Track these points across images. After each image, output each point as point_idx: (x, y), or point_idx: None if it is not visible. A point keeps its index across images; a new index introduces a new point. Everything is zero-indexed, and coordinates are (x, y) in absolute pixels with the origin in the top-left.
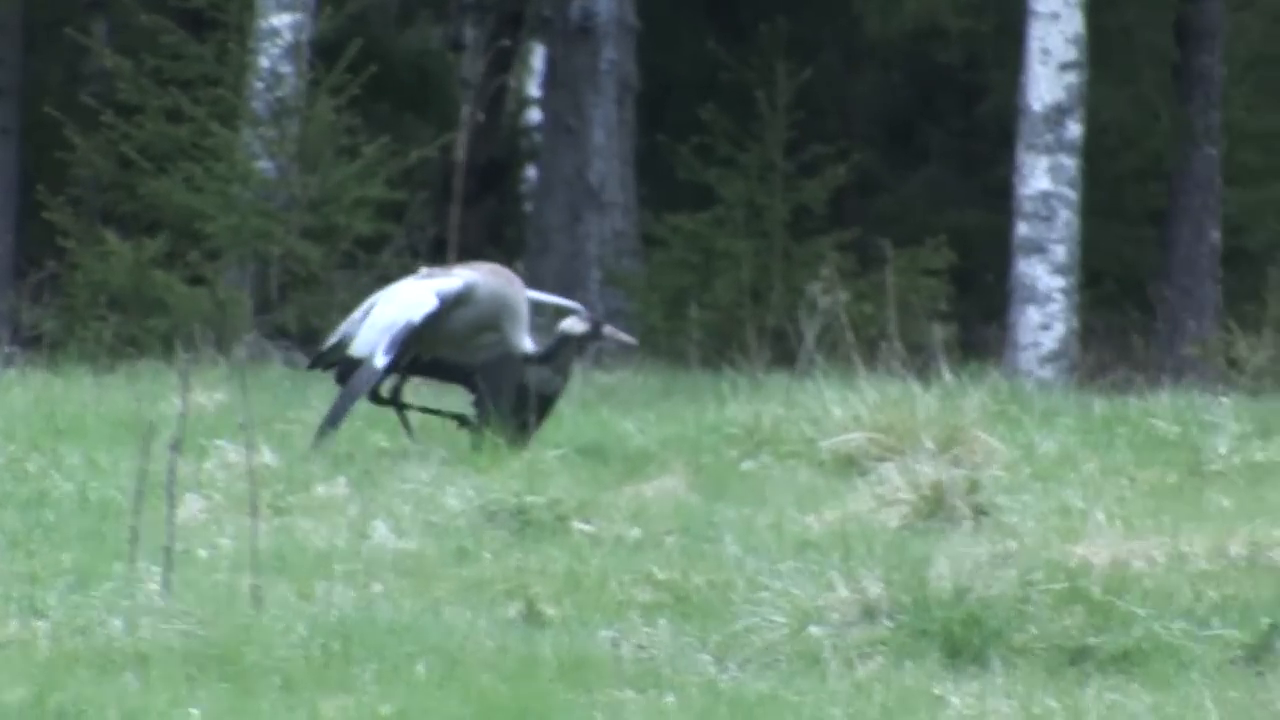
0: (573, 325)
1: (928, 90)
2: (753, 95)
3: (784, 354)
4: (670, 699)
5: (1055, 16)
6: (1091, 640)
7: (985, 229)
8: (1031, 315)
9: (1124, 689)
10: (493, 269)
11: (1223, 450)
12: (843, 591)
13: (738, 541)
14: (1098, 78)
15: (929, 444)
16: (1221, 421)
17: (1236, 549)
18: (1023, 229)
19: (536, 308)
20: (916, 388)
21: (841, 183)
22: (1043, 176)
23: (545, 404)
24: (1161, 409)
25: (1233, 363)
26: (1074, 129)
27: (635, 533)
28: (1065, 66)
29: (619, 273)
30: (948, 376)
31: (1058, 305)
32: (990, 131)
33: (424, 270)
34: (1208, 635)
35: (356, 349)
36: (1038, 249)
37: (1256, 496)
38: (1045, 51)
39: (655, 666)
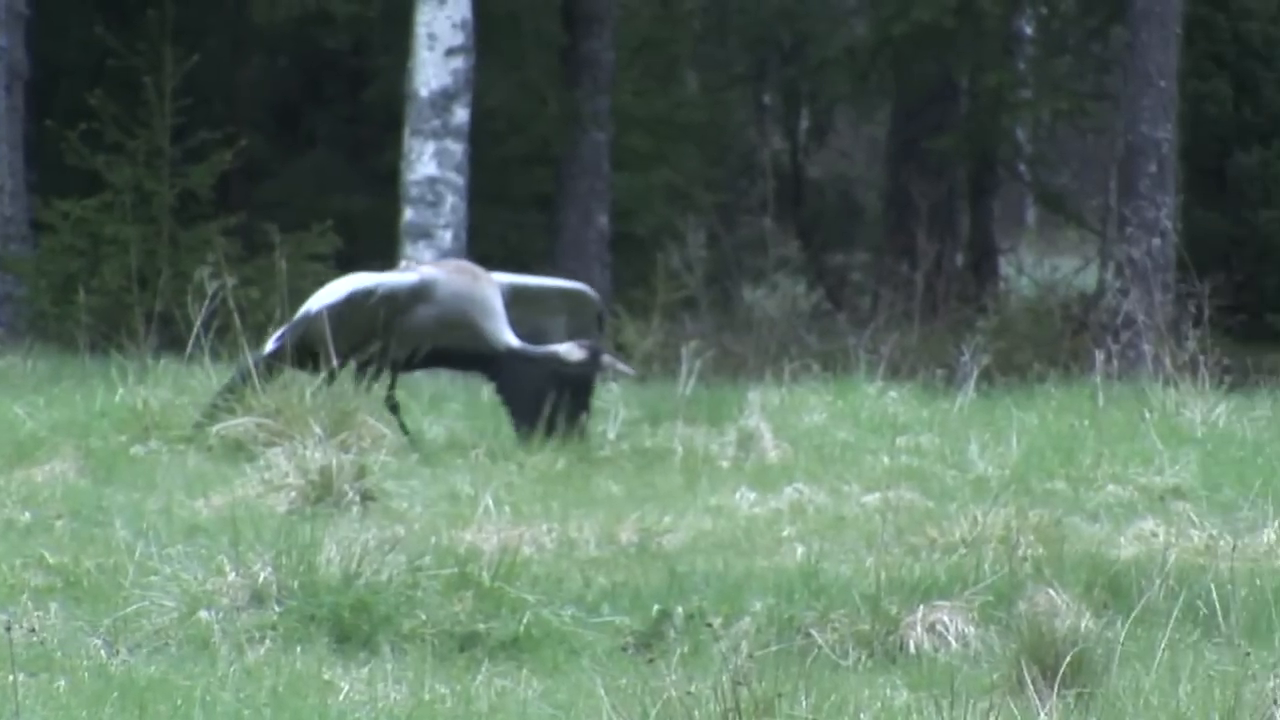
0: (570, 351)
1: (314, 76)
2: (141, 81)
3: (173, 339)
4: (62, 683)
5: (442, 2)
6: (481, 626)
7: (372, 214)
8: None
9: (514, 675)
10: (458, 266)
11: (612, 436)
12: (232, 576)
13: (128, 526)
14: (485, 63)
15: (318, 429)
16: (610, 407)
17: (626, 535)
18: (410, 214)
19: (543, 292)
20: (304, 373)
21: (228, 168)
22: (430, 162)
23: (585, 388)
24: None
25: (621, 348)
26: (461, 114)
27: (26, 517)
28: (452, 52)
29: (8, 258)
30: (335, 361)
31: None
32: (378, 117)
33: (403, 263)
34: (598, 622)
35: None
36: (425, 234)
37: (646, 483)
38: (432, 37)
39: (47, 650)
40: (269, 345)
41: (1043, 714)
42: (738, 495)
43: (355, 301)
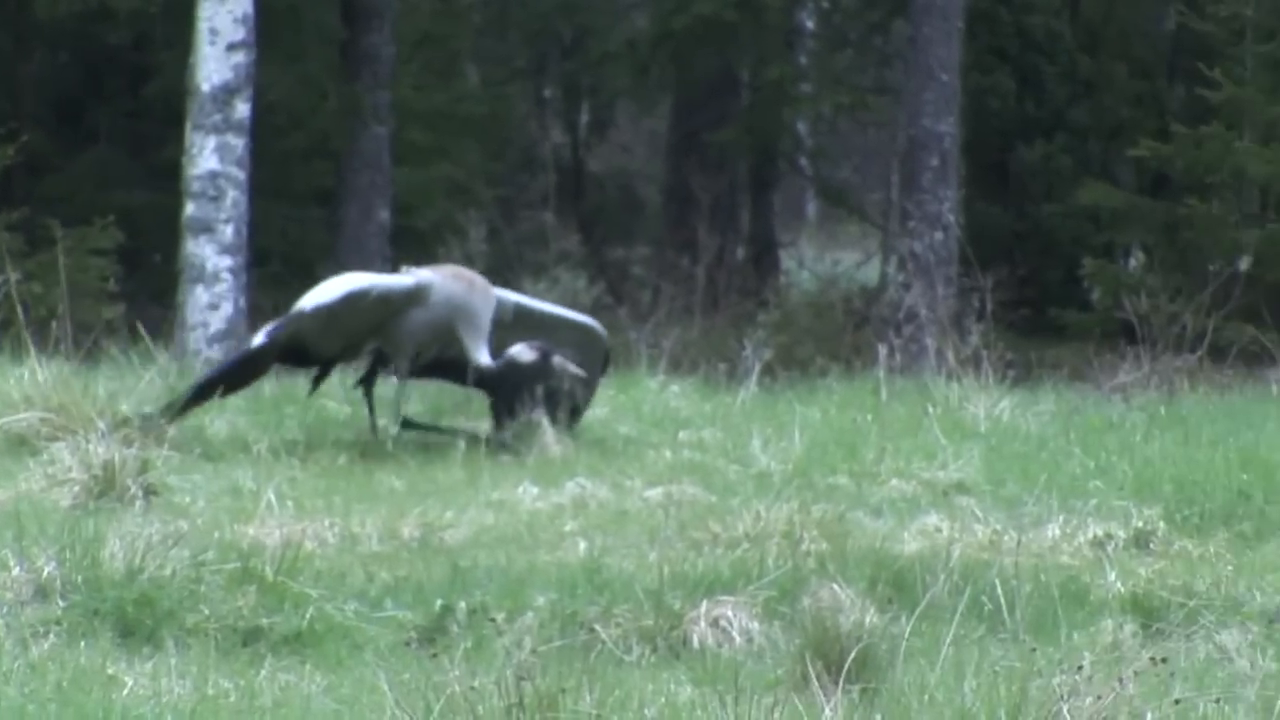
0: (521, 353)
1: (96, 71)
2: None
3: None
4: None
5: None
6: (264, 621)
7: (154, 209)
8: (200, 295)
9: (298, 670)
10: (455, 273)
11: (394, 431)
12: (16, 571)
13: None
14: (266, 58)
15: (101, 424)
16: (392, 402)
17: (409, 530)
18: (191, 208)
19: (551, 320)
20: (89, 368)
21: (10, 163)
22: (211, 157)
23: (570, 395)
24: (331, 389)
25: None
26: (243, 109)
27: None
28: (234, 47)
29: None
30: (119, 356)
31: (226, 285)
32: (159, 112)
33: (404, 269)
34: (381, 617)
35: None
36: (206, 229)
37: (428, 477)
38: (214, 32)
39: None
40: (257, 339)
41: (827, 710)
42: (520, 490)
43: (351, 302)
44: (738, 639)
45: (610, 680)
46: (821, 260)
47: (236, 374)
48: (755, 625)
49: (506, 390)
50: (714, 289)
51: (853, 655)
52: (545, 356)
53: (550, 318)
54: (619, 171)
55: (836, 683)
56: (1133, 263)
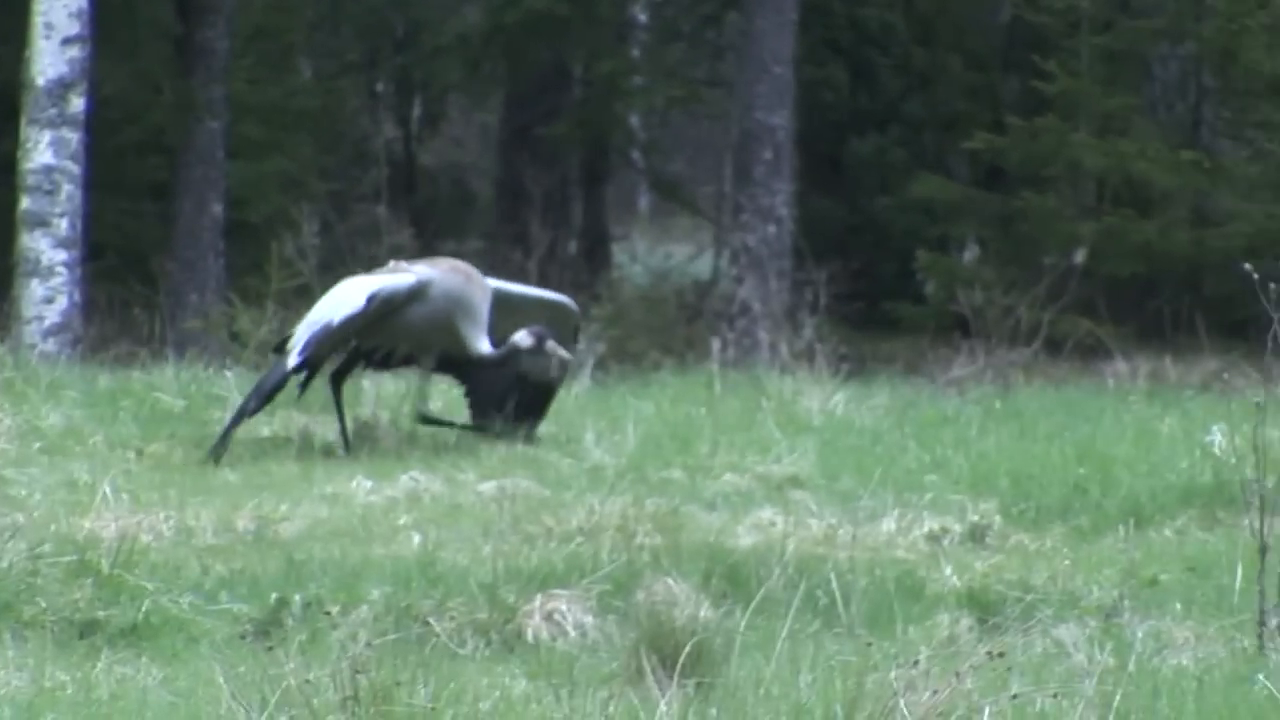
0: (522, 339)
1: None
2: None
3: None
4: None
5: None
6: (101, 613)
7: None
8: (35, 289)
9: (134, 662)
10: (453, 266)
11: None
12: None
13: None
14: (101, 52)
15: None
16: (227, 395)
17: (244, 523)
18: (27, 202)
19: (525, 301)
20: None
21: None
22: (46, 151)
23: (546, 392)
24: (166, 383)
25: (236, 336)
26: (77, 103)
27: None
28: (69, 41)
29: None
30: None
31: (61, 279)
32: None
33: (392, 263)
34: (217, 609)
35: (291, 343)
36: (42, 222)
37: (263, 470)
38: (49, 26)
39: None
40: (293, 360)
41: (662, 704)
42: (354, 484)
43: (372, 304)
44: (572, 632)
45: (445, 673)
46: (654, 254)
47: (272, 397)
48: (589, 619)
49: (496, 379)
50: (546, 283)
51: (687, 649)
52: (540, 340)
53: (525, 298)
54: (451, 165)
55: (671, 677)
56: (967, 256)
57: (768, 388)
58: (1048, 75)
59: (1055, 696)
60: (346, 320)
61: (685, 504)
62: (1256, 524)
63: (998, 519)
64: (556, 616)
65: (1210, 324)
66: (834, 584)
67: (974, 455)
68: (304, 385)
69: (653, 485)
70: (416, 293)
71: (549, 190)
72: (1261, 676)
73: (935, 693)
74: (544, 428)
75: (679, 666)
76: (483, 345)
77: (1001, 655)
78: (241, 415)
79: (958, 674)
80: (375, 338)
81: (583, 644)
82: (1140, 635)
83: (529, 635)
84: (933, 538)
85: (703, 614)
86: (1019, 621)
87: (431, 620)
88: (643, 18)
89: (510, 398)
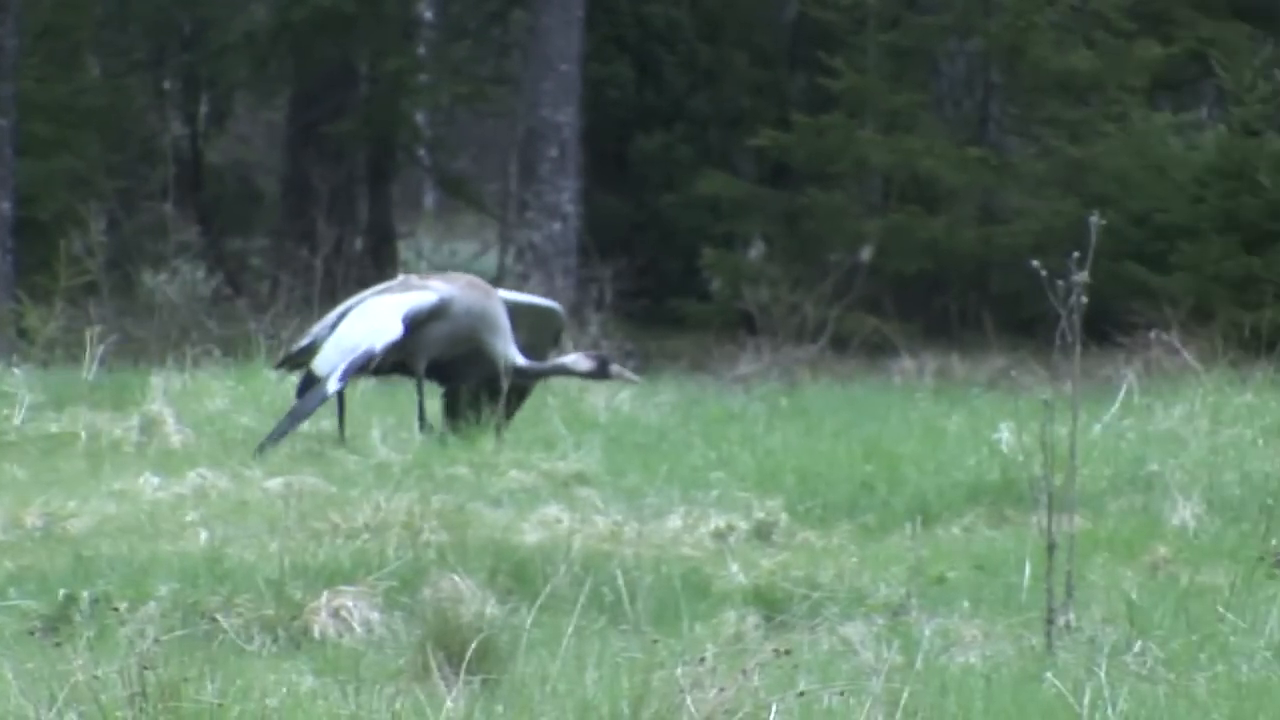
0: (577, 362)
1: None
2: None
3: None
4: None
5: None
6: None
7: None
8: None
9: None
10: (470, 281)
11: (17, 421)
12: None
13: None
14: None
15: None
16: (15, 392)
17: (31, 520)
18: None
19: (515, 308)
20: None
21: None
22: None
23: (520, 393)
24: None
25: (23, 333)
26: None
27: None
28: None
29: None
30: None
31: None
32: None
33: (400, 277)
34: (5, 606)
35: (318, 365)
36: None
37: (50, 467)
38: None
39: None
40: (334, 385)
41: (449, 700)
42: (142, 480)
43: (409, 328)
44: (359, 629)
45: (232, 670)
46: (439, 251)
47: (305, 418)
48: (376, 615)
49: (473, 381)
50: (332, 280)
51: (473, 646)
52: (604, 364)
53: (516, 305)
54: (237, 163)
55: (458, 673)
56: (753, 253)
57: (553, 384)
58: (834, 72)
59: (843, 694)
60: (388, 347)
61: (471, 501)
62: (1044, 522)
63: (784, 516)
64: (343, 613)
65: (997, 321)
66: (620, 581)
67: (760, 452)
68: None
69: (438, 482)
70: (439, 310)
71: (335, 187)
72: (1050, 674)
73: (722, 690)
74: (329, 424)
75: (465, 663)
76: (514, 355)
77: (788, 653)
78: (279, 436)
79: (744, 671)
80: (395, 354)
81: (369, 640)
82: (928, 633)
83: (316, 632)
84: (719, 535)
85: (489, 611)
86: (806, 619)
87: (219, 617)
88: (429, 15)
89: (484, 398)
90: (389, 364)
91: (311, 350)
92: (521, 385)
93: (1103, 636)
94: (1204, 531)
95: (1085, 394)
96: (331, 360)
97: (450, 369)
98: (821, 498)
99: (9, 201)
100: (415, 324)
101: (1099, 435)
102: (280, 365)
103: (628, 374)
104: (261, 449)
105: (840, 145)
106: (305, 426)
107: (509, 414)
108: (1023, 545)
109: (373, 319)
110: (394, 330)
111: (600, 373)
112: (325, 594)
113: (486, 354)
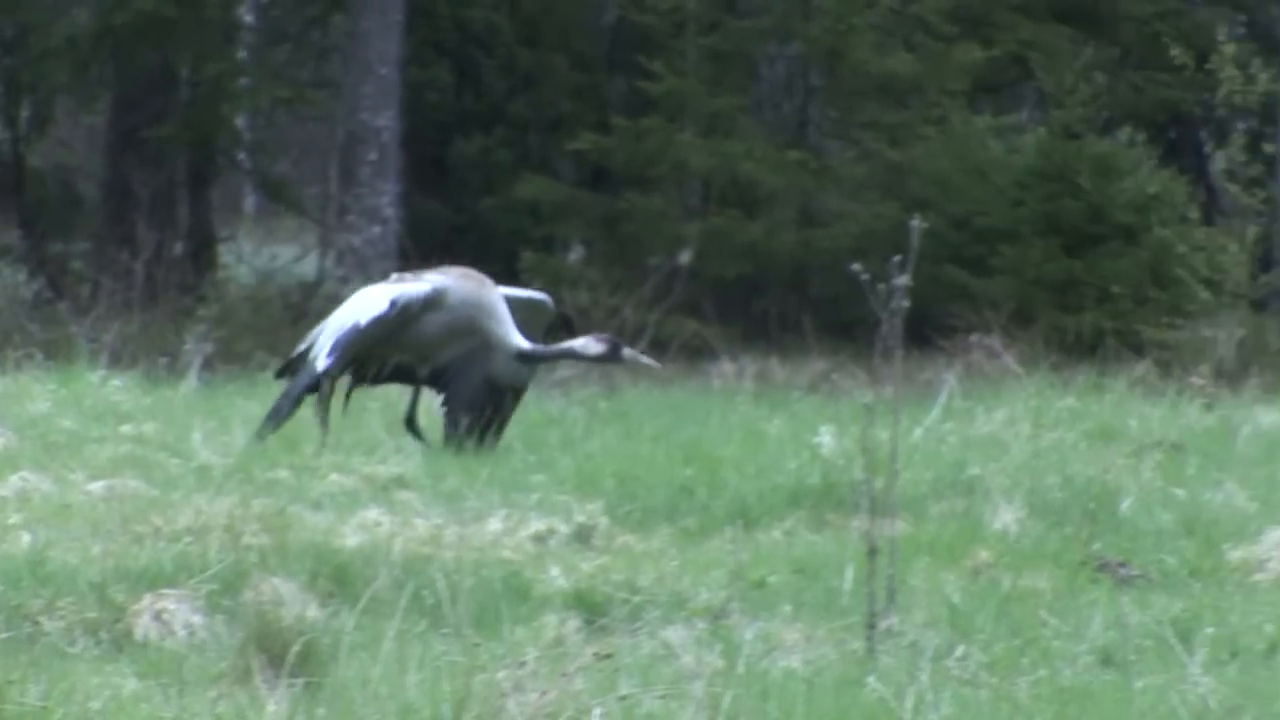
0: (587, 345)
1: None
2: None
3: None
4: None
5: None
6: None
7: None
8: None
9: None
10: (464, 273)
11: None
12: None
13: None
14: None
15: None
16: None
17: None
18: None
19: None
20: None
21: None
22: None
23: (516, 395)
24: None
25: None
26: None
27: None
28: None
29: None
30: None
31: None
32: None
33: (395, 275)
34: None
35: (313, 352)
36: None
37: None
38: None
39: None
40: (323, 362)
41: (271, 703)
42: None
43: (394, 310)
44: (181, 632)
45: (55, 672)
46: (260, 255)
47: (301, 400)
48: (198, 618)
49: (472, 387)
50: (153, 283)
51: (295, 648)
52: (615, 348)
53: (508, 299)
54: (59, 167)
55: (280, 676)
56: (572, 256)
57: (374, 389)
58: (654, 76)
59: (664, 698)
60: (374, 321)
61: (292, 504)
62: (865, 526)
63: (604, 520)
64: (165, 616)
65: (817, 325)
66: (441, 584)
67: (580, 456)
68: (343, 394)
69: (260, 485)
70: (433, 300)
71: (156, 192)
72: (872, 679)
73: (544, 693)
74: (151, 427)
75: (287, 666)
76: (519, 340)
77: (609, 656)
78: (276, 418)
79: (565, 675)
80: (393, 351)
81: (191, 643)
82: (749, 637)
83: (138, 634)
84: (539, 538)
85: (310, 613)
86: (626, 622)
87: (42, 619)
88: (250, 19)
89: (486, 404)
90: (390, 371)
91: (308, 352)
92: (519, 387)
93: (925, 641)
94: (1026, 535)
95: (906, 398)
96: (320, 342)
97: (450, 376)
98: (641, 501)
99: None
100: (410, 314)
101: (920, 439)
102: (281, 373)
103: (643, 358)
104: (260, 433)
105: (660, 149)
106: (127, 430)
107: (504, 421)
108: (844, 549)
109: (360, 300)
110: (380, 306)
111: (612, 356)
112: (148, 597)
113: (490, 343)
